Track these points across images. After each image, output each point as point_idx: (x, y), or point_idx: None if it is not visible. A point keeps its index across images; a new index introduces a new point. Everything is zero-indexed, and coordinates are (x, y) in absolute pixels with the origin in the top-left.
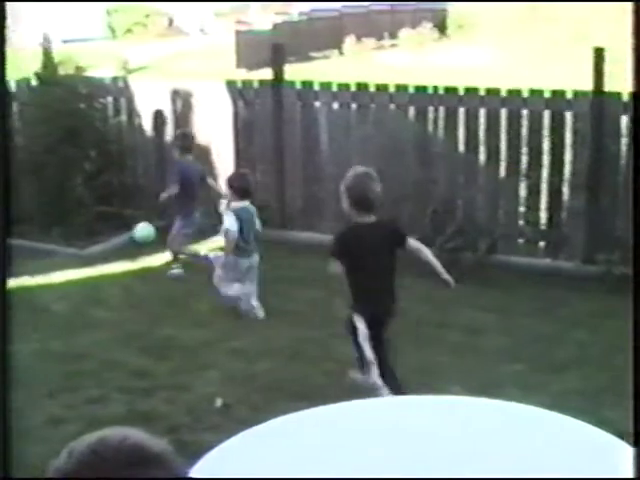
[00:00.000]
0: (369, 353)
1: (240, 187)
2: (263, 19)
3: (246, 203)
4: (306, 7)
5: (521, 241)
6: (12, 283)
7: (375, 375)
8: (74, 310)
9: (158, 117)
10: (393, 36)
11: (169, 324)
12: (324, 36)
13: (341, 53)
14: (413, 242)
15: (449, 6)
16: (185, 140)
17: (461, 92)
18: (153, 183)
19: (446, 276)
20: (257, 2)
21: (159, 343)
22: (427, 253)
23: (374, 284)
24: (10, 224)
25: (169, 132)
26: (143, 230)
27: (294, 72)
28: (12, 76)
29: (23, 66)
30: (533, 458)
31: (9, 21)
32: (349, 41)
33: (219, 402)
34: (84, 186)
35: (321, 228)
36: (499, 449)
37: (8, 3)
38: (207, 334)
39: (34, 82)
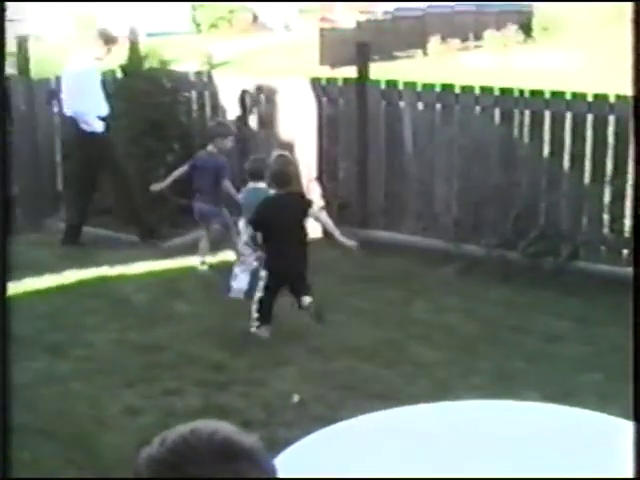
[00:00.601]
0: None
1: (252, 169)
2: (347, 17)
3: (259, 185)
4: (390, 6)
5: (604, 248)
6: (92, 272)
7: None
8: (153, 302)
9: (244, 97)
10: (478, 37)
11: (247, 319)
12: (408, 36)
13: (425, 53)
14: (314, 210)
15: (534, 8)
16: (218, 129)
17: (547, 96)
18: (235, 178)
19: (347, 243)
20: (342, 1)
21: (237, 338)
22: (325, 220)
23: (283, 247)
24: (9, 223)
25: (254, 127)
26: None
27: (378, 71)
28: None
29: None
30: (607, 467)
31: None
32: (433, 41)
33: (296, 398)
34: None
35: (402, 228)
36: (573, 457)
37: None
38: (285, 330)
39: (119, 74)
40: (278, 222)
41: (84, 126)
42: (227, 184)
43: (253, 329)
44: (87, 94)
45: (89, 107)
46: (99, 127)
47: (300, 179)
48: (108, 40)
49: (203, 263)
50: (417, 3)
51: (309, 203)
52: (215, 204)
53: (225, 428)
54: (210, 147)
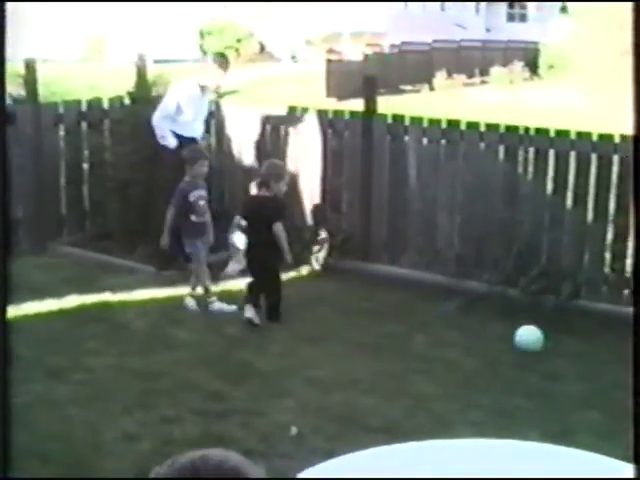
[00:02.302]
0: None
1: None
2: (354, 49)
3: None
4: (397, 39)
5: (605, 288)
6: (94, 297)
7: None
8: (153, 328)
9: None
10: (484, 73)
11: (247, 349)
12: (415, 69)
13: (431, 87)
14: (277, 226)
15: (540, 45)
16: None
17: (552, 134)
18: (240, 205)
19: (287, 256)
20: (349, 32)
21: (236, 367)
22: (280, 234)
23: (252, 241)
24: (9, 232)
25: (258, 157)
26: (529, 335)
27: (384, 104)
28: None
29: (115, 84)
30: None
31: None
32: (440, 76)
33: (294, 430)
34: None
35: (404, 262)
36: None
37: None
38: (285, 362)
39: (127, 101)
40: (251, 219)
41: (159, 139)
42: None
43: (247, 314)
44: (181, 112)
45: (176, 124)
46: (171, 144)
47: (281, 186)
48: (222, 65)
49: (193, 296)
50: (424, 37)
51: (278, 210)
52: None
53: (235, 458)
54: (187, 177)
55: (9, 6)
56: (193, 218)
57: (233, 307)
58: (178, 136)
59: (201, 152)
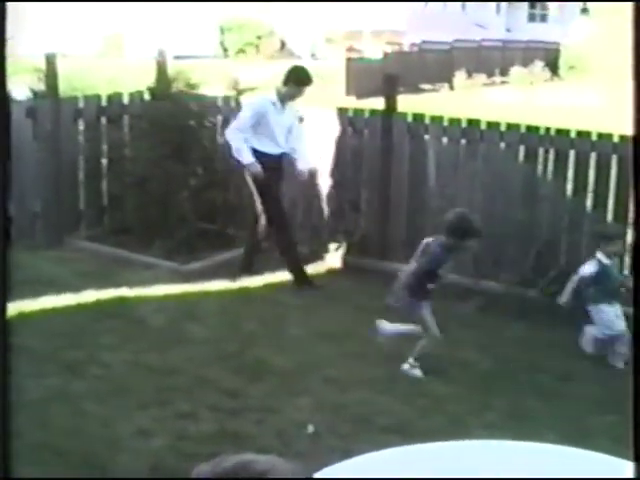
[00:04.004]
0: None
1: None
2: (374, 48)
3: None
4: (418, 39)
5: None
6: (111, 292)
7: None
8: (170, 324)
9: None
10: (504, 73)
11: (264, 347)
12: (434, 69)
13: (451, 87)
14: None
15: (561, 46)
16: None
17: (572, 135)
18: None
19: None
20: (369, 30)
21: (252, 365)
22: None
23: None
24: (9, 228)
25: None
26: None
27: (403, 103)
28: (125, 89)
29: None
30: None
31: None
32: (459, 75)
33: (311, 428)
34: (188, 202)
35: None
36: None
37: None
38: (302, 360)
39: (147, 96)
40: None
41: (234, 152)
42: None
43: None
44: (257, 125)
45: (253, 138)
46: (246, 159)
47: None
48: (299, 81)
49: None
50: (445, 37)
51: None
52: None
53: (281, 467)
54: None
55: (10, 5)
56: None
57: None
58: (255, 151)
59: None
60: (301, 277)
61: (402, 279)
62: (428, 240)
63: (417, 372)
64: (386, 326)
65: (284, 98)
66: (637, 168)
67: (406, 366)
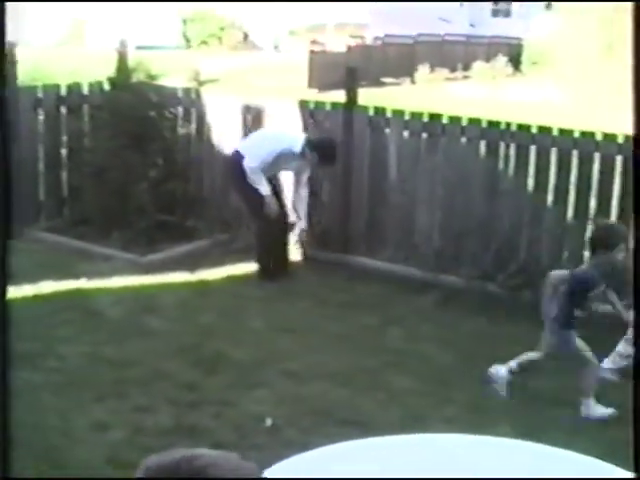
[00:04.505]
0: None
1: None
2: (337, 41)
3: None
4: (381, 32)
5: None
6: (68, 284)
7: None
8: (128, 317)
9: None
10: (466, 68)
11: (223, 340)
12: (397, 62)
13: (413, 81)
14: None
15: (524, 41)
16: None
17: (534, 130)
18: (217, 196)
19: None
20: (332, 23)
21: (211, 358)
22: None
23: None
24: (10, 225)
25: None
26: None
27: (365, 97)
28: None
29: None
30: None
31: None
32: (422, 69)
33: (269, 422)
34: (147, 193)
35: (382, 256)
36: None
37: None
38: (261, 353)
39: (107, 86)
40: None
41: (253, 183)
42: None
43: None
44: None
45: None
46: (265, 191)
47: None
48: (327, 159)
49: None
50: (408, 31)
51: None
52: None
53: (227, 464)
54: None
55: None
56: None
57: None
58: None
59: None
60: (275, 268)
61: (547, 314)
62: (559, 272)
63: (604, 411)
64: (500, 371)
65: (305, 159)
66: (637, 169)
67: (591, 410)
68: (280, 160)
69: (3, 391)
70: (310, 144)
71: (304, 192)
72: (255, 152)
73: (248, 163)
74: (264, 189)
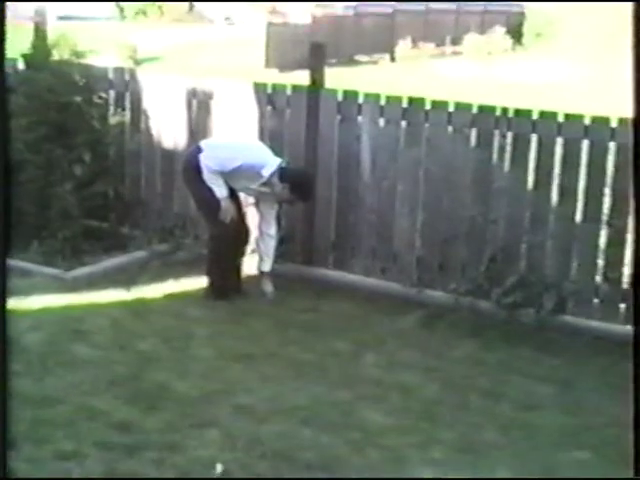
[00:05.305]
0: None
1: None
2: (301, 11)
3: None
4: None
5: (597, 301)
6: None
7: None
8: (50, 344)
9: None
10: (456, 42)
11: (163, 369)
12: (373, 36)
13: (392, 59)
14: None
15: (527, 9)
16: None
17: (535, 116)
18: (157, 198)
19: None
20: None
21: (150, 391)
22: None
23: None
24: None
25: (182, 139)
26: None
27: (334, 77)
28: None
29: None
30: None
31: None
32: (403, 44)
33: (219, 468)
34: (73, 194)
35: (355, 267)
36: None
37: None
38: (208, 385)
39: (21, 65)
40: None
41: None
42: None
43: None
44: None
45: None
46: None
47: None
48: (300, 194)
49: None
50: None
51: None
52: None
53: None
54: None
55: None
56: None
57: None
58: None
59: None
60: (227, 283)
61: None
62: None
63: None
64: None
65: (271, 187)
66: (637, 165)
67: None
68: (241, 175)
69: (3, 393)
70: (285, 173)
71: (272, 231)
72: (216, 153)
73: (205, 160)
74: (220, 191)
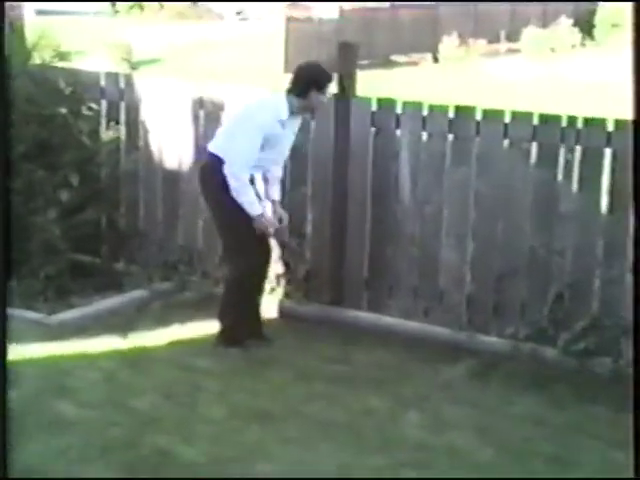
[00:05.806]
0: None
1: None
2: (327, 3)
3: None
4: None
5: None
6: None
7: None
8: (32, 402)
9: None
10: (513, 37)
11: (166, 432)
12: (412, 33)
13: (436, 59)
14: None
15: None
16: None
17: (610, 126)
18: (159, 227)
19: None
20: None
21: (149, 459)
22: None
23: None
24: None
25: (187, 157)
26: None
27: (367, 82)
28: None
29: None
30: None
31: None
32: (448, 42)
33: None
34: (57, 224)
35: (392, 309)
36: None
37: None
38: (219, 450)
39: None
40: None
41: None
42: None
43: None
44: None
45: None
46: (256, 210)
47: None
48: (321, 87)
49: None
50: None
51: None
52: None
53: None
54: None
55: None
56: None
57: None
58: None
59: None
60: (243, 328)
61: None
62: None
63: None
64: None
65: (297, 111)
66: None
67: None
68: (269, 144)
69: (3, 394)
70: (295, 88)
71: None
72: (237, 150)
73: (230, 168)
74: (252, 208)
